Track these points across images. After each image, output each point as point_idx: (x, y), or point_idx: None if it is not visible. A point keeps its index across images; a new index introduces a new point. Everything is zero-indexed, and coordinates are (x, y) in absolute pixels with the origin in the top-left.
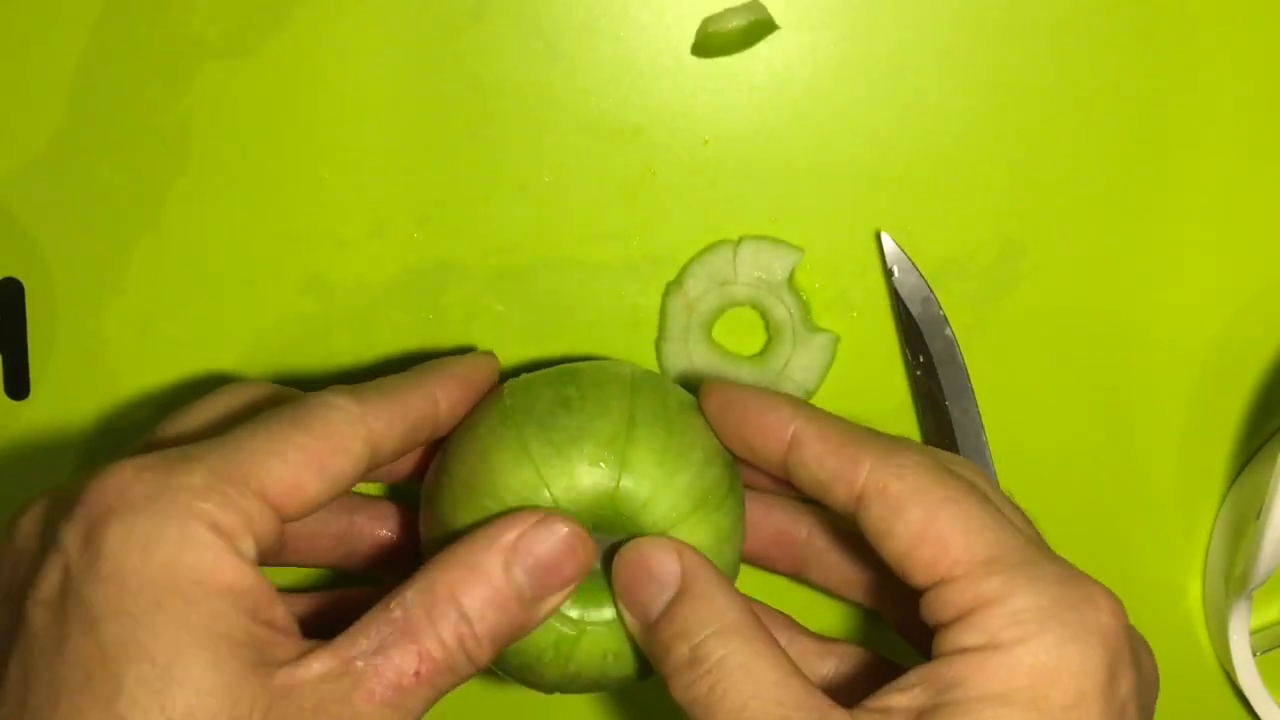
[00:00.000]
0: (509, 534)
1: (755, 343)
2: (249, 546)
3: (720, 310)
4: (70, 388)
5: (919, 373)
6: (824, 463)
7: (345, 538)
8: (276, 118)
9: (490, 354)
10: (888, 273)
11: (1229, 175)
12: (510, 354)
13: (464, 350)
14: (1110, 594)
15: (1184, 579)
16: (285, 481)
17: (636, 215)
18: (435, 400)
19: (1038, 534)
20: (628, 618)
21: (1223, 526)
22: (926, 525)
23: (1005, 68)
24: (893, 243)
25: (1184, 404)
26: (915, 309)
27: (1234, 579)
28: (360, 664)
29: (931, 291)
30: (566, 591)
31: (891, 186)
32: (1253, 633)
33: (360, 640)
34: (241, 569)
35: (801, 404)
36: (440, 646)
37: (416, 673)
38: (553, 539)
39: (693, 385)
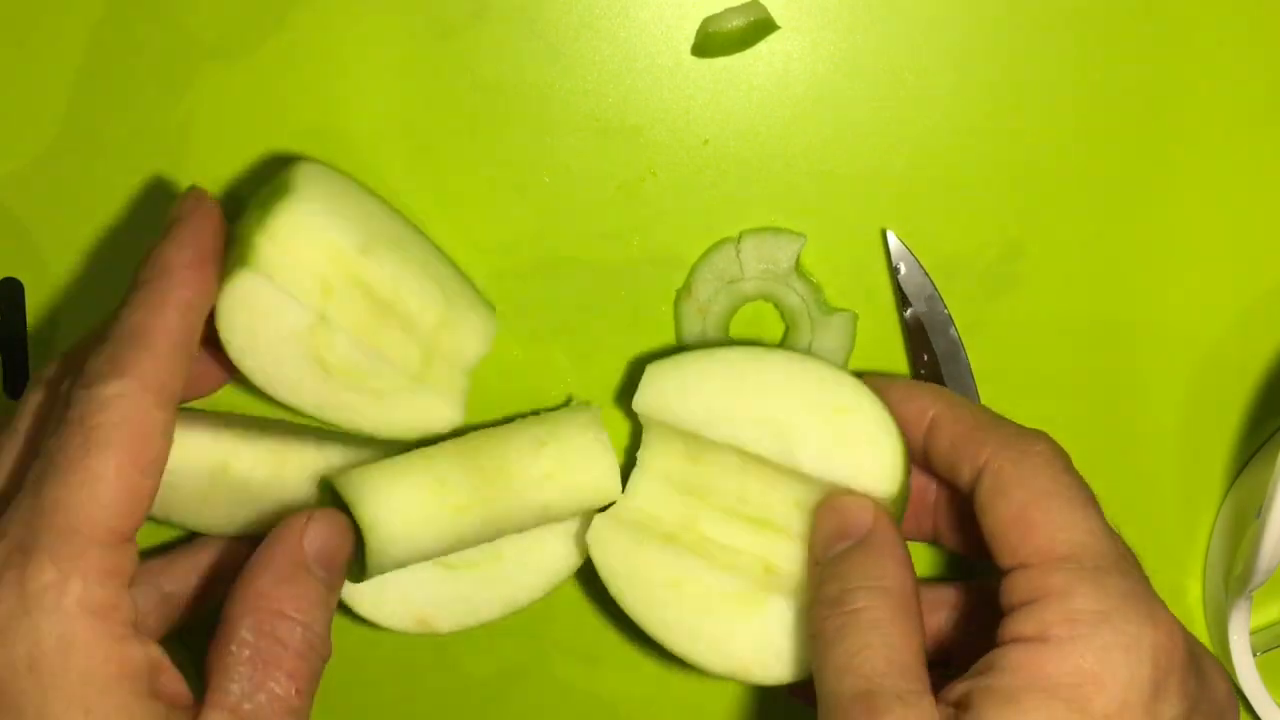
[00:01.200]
0: (292, 537)
1: (774, 334)
2: (126, 603)
3: (733, 309)
4: None
5: (923, 371)
6: (955, 444)
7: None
8: (276, 118)
9: (195, 194)
10: (893, 270)
11: (1229, 177)
12: (510, 354)
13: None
14: (1174, 620)
15: (1184, 579)
16: (122, 504)
17: (636, 215)
18: (189, 306)
19: (1135, 564)
20: (810, 554)
21: (1223, 526)
22: (1022, 510)
23: (1005, 68)
24: (898, 240)
25: (1184, 404)
26: (920, 307)
27: (1234, 579)
28: (248, 707)
29: (936, 290)
30: (343, 576)
31: (891, 186)
32: (1253, 633)
33: (231, 687)
34: (125, 648)
35: (940, 392)
36: (298, 659)
37: (297, 690)
38: (325, 530)
39: None
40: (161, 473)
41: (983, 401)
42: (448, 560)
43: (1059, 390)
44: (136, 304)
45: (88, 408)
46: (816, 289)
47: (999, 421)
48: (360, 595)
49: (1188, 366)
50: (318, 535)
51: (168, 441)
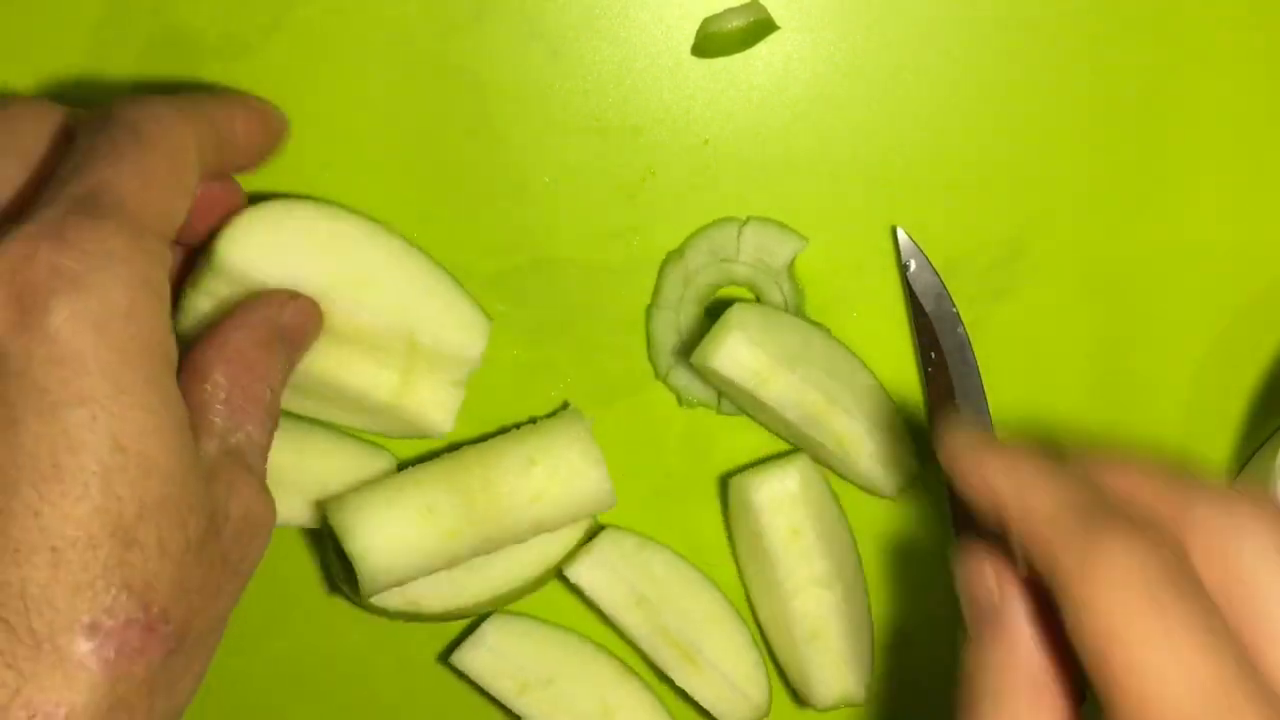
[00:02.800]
0: (273, 308)
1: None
2: (168, 296)
3: (716, 286)
4: None
5: (930, 369)
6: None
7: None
8: None
9: (277, 110)
10: (903, 268)
11: (1229, 175)
12: (510, 354)
13: None
14: None
15: None
16: (162, 209)
17: (636, 215)
18: (234, 120)
19: None
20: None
21: None
22: None
23: (1006, 67)
24: (908, 237)
25: (1184, 404)
26: (929, 305)
27: None
28: (233, 440)
29: (945, 288)
30: (302, 356)
31: (892, 186)
32: None
33: (214, 420)
34: (171, 338)
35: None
36: (266, 416)
37: (266, 443)
38: (303, 312)
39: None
40: (187, 207)
41: (987, 399)
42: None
43: (1057, 391)
44: (200, 92)
45: (139, 114)
46: (801, 295)
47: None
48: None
49: (1187, 366)
50: (297, 314)
51: (196, 179)
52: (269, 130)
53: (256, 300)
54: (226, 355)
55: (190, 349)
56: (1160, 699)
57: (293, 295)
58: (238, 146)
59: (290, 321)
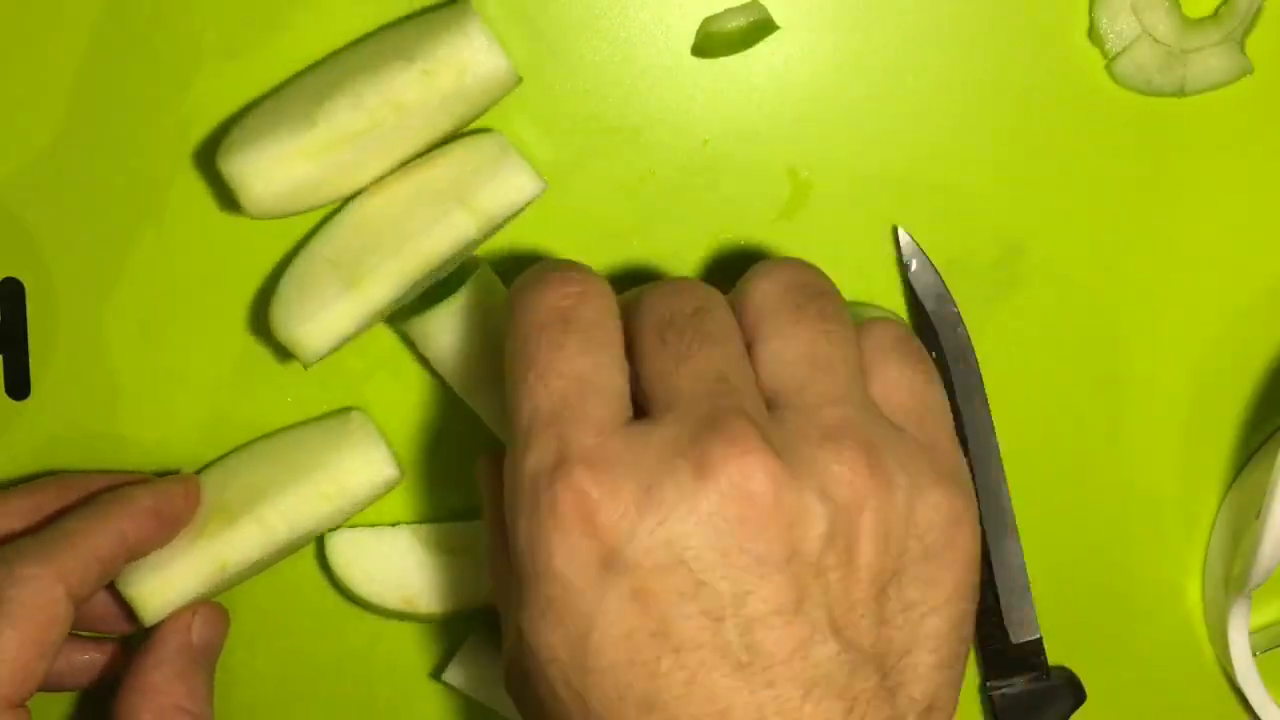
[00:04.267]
0: (181, 633)
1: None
2: None
3: None
4: (70, 388)
5: None
6: None
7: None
8: None
9: (190, 479)
10: (904, 268)
11: (1229, 176)
12: None
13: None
14: None
15: (1184, 579)
16: (15, 678)
17: (636, 215)
18: (124, 537)
19: None
20: None
21: (1222, 526)
22: None
23: (1005, 67)
24: (909, 237)
25: (1184, 404)
26: (930, 305)
27: (1234, 579)
28: None
29: (946, 288)
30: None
31: (892, 187)
32: (1252, 633)
33: None
34: None
35: None
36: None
37: None
38: (210, 624)
39: None
40: (53, 660)
41: (988, 400)
42: (439, 544)
43: (1057, 391)
44: (83, 515)
45: (8, 575)
46: None
47: None
48: (354, 572)
49: (1188, 366)
50: (205, 626)
51: (64, 634)
52: (164, 519)
53: (164, 629)
54: (150, 701)
55: (116, 698)
56: None
57: (195, 610)
58: (132, 554)
59: (202, 639)
